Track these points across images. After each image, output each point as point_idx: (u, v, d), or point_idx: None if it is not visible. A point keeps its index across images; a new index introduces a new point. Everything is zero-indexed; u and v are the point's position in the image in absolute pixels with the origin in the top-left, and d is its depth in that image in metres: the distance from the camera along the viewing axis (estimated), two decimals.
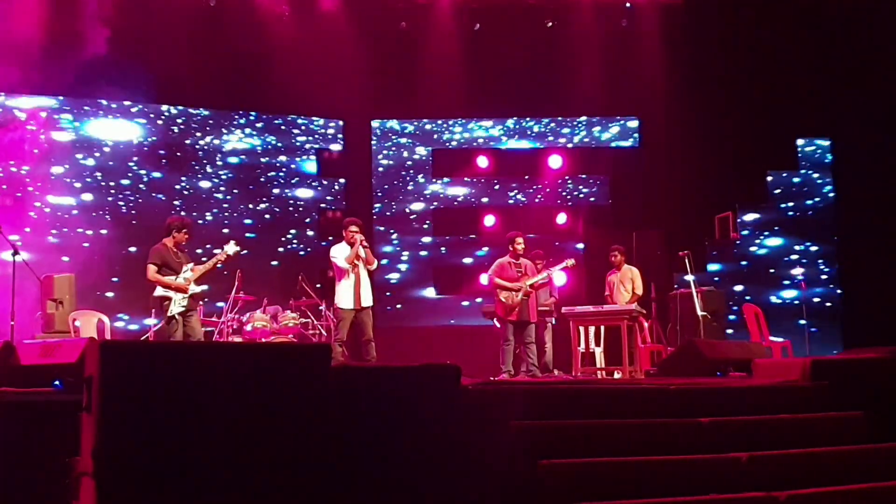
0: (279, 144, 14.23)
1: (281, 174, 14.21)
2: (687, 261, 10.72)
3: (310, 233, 14.17)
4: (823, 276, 14.21)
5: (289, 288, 12.13)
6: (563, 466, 5.08)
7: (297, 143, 14.36)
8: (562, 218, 14.49)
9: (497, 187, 14.76)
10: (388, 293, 14.36)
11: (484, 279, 13.43)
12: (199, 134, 13.75)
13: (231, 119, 13.98)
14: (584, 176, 14.73)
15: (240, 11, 12.86)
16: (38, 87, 11.96)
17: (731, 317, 12.70)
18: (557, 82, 13.87)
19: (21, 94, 12.20)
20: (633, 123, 14.70)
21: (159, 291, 8.82)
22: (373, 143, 14.60)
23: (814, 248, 14.34)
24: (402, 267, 14.55)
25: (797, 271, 13.86)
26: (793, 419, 5.99)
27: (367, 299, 9.28)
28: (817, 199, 14.48)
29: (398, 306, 14.42)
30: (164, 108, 13.49)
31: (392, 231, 14.58)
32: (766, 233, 14.47)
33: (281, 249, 14.00)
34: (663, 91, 13.63)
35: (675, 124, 13.63)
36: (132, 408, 4.00)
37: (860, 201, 13.60)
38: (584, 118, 14.76)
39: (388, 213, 14.60)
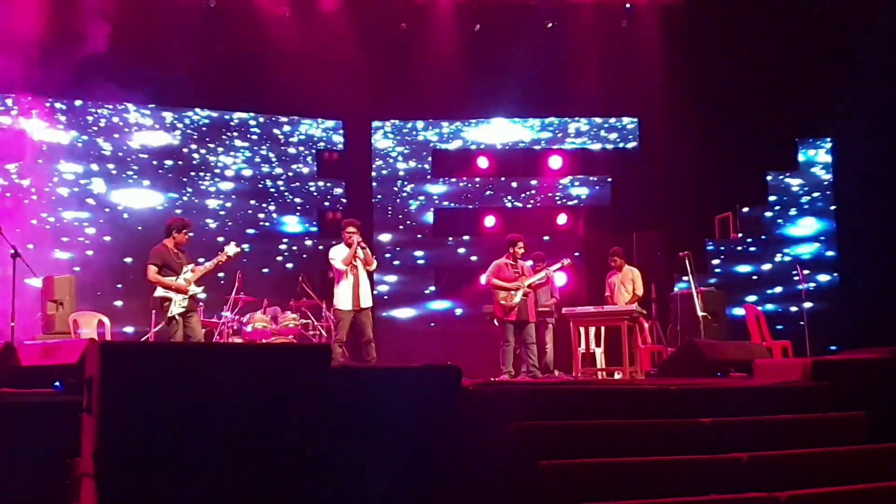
0: (279, 145, 14.22)
1: (281, 175, 14.20)
2: (687, 262, 10.71)
3: (309, 236, 14.16)
4: (824, 277, 14.21)
5: (289, 289, 12.14)
6: (563, 467, 5.07)
7: (297, 144, 14.36)
8: (562, 218, 14.51)
9: (497, 188, 14.75)
10: (388, 294, 14.37)
11: (483, 280, 13.47)
12: (199, 135, 13.75)
13: (231, 119, 13.97)
14: (584, 176, 14.73)
15: (240, 12, 12.86)
16: (38, 88, 11.96)
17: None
18: (557, 83, 13.87)
19: (22, 94, 12.20)
20: (633, 124, 14.70)
21: (159, 292, 8.82)
22: (373, 143, 14.60)
23: (815, 247, 14.35)
24: (403, 268, 14.54)
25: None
26: (793, 419, 5.98)
27: (365, 300, 9.28)
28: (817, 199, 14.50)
29: (399, 306, 14.42)
30: (164, 108, 13.49)
31: (392, 232, 14.57)
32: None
33: (282, 248, 14.01)
34: (663, 92, 13.62)
35: (675, 125, 13.61)
36: (132, 409, 4.00)
37: (861, 201, 13.61)
38: (584, 119, 14.76)
39: (387, 214, 14.59)
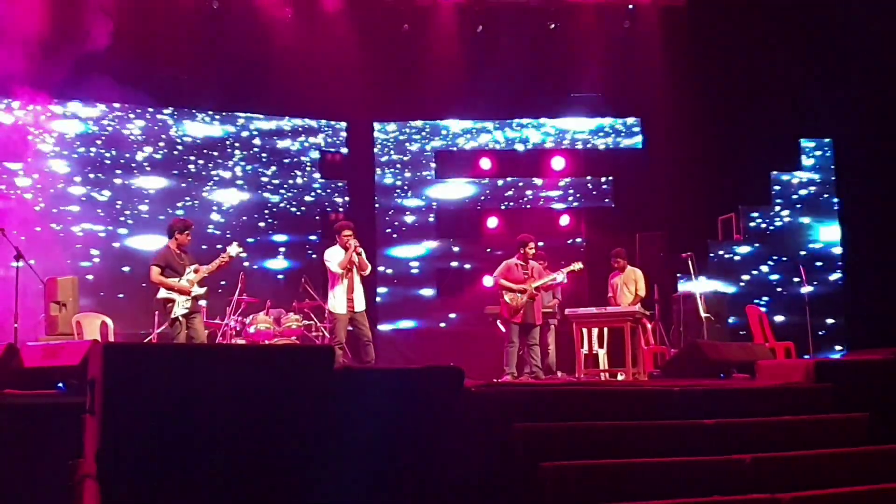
0: (281, 146, 14.23)
1: (283, 176, 14.21)
2: (690, 263, 10.70)
3: (312, 238, 14.16)
4: (830, 276, 14.19)
5: (292, 290, 12.15)
6: (566, 468, 5.07)
7: (300, 145, 14.37)
8: (565, 220, 14.50)
9: (500, 189, 14.75)
10: (389, 295, 14.36)
11: (488, 281, 13.47)
12: (201, 136, 13.76)
13: (234, 120, 13.98)
14: (586, 177, 14.73)
15: (243, 14, 12.86)
16: (41, 88, 11.96)
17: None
18: (560, 83, 13.87)
19: (24, 94, 12.20)
20: (636, 125, 14.69)
21: (162, 293, 8.83)
22: (375, 144, 14.61)
23: (818, 247, 14.35)
24: (404, 269, 14.54)
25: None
26: (796, 421, 5.98)
27: (359, 304, 9.26)
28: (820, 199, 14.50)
29: (400, 307, 14.42)
30: (168, 110, 13.50)
31: (394, 233, 14.57)
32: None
33: (283, 250, 14.02)
34: (666, 92, 13.62)
35: (678, 125, 13.61)
36: (135, 410, 4.00)
37: (864, 202, 13.60)
38: (586, 120, 14.75)
39: (390, 215, 14.60)
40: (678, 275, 12.69)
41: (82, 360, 5.57)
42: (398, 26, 13.58)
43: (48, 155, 12.62)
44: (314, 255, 12.77)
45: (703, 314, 10.61)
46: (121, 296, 12.40)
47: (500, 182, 14.71)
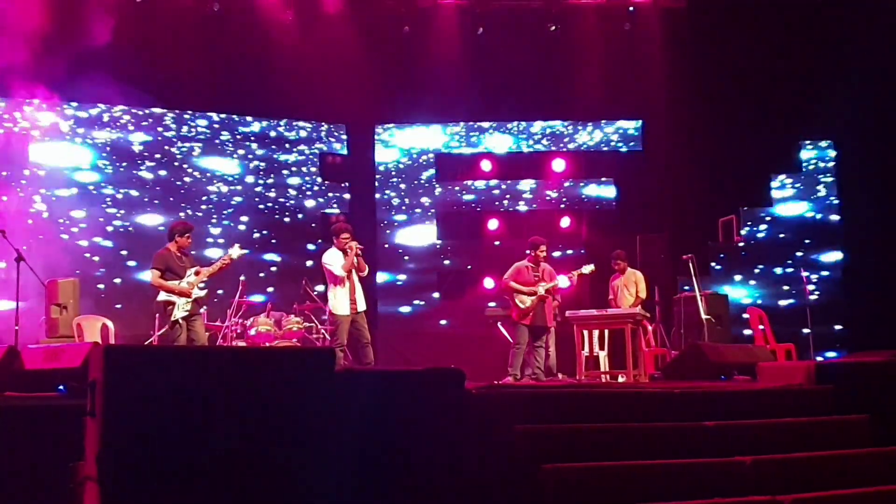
0: (282, 148, 14.24)
1: (284, 179, 14.21)
2: (691, 265, 10.70)
3: (312, 241, 14.17)
4: (827, 276, 14.18)
5: (293, 292, 12.15)
6: (566, 471, 5.07)
7: (301, 148, 14.37)
8: (565, 222, 14.50)
9: (501, 191, 14.76)
10: (391, 296, 14.37)
11: (489, 282, 13.47)
12: (202, 138, 13.77)
13: (234, 123, 13.99)
14: (587, 180, 14.73)
15: (243, 16, 12.88)
16: (40, 90, 11.97)
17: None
18: (561, 86, 13.88)
19: (24, 96, 12.21)
20: (637, 127, 14.70)
21: (163, 296, 8.83)
22: (376, 147, 14.61)
23: (818, 250, 14.33)
24: (405, 270, 14.54)
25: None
26: (797, 423, 5.98)
27: (361, 304, 9.28)
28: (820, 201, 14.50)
29: (404, 309, 14.43)
30: (168, 111, 13.51)
31: (394, 235, 14.58)
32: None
33: (284, 250, 14.02)
34: (666, 94, 13.63)
35: (679, 128, 13.62)
36: (136, 412, 4.00)
37: (863, 203, 13.60)
38: (587, 122, 14.76)
39: (391, 217, 14.60)
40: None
41: (83, 363, 5.57)
42: (399, 28, 13.60)
43: (48, 155, 12.62)
44: (310, 263, 12.72)
45: (703, 316, 10.61)
46: (118, 306, 12.40)
47: (500, 184, 14.71)
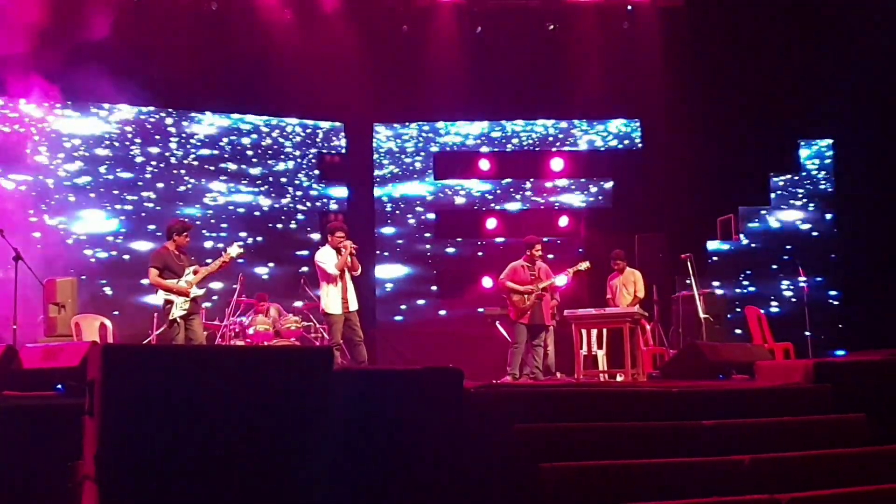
0: (281, 148, 14.24)
1: (283, 178, 14.21)
2: (689, 264, 10.70)
3: (309, 244, 14.17)
4: (826, 277, 14.20)
5: (291, 291, 12.15)
6: (565, 469, 5.08)
7: (299, 147, 14.37)
8: (563, 221, 14.50)
9: (499, 190, 14.76)
10: (390, 296, 14.37)
11: (487, 281, 13.47)
12: (201, 137, 13.76)
13: (233, 122, 13.98)
14: (585, 179, 14.74)
15: (241, 15, 12.87)
16: (40, 89, 11.96)
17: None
18: (559, 85, 13.88)
19: (22, 95, 12.20)
20: (635, 126, 14.70)
21: (161, 295, 8.82)
22: (374, 146, 14.61)
23: (815, 249, 14.35)
24: (404, 270, 14.54)
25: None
26: (795, 422, 5.98)
27: (353, 303, 9.26)
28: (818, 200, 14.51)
29: (402, 307, 14.43)
30: (167, 111, 13.50)
31: (393, 234, 14.58)
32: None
33: (284, 250, 14.02)
34: (665, 93, 13.64)
35: (677, 126, 13.62)
36: (134, 411, 4.00)
37: (862, 202, 13.61)
38: (585, 121, 14.76)
39: (389, 217, 14.60)
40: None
41: (81, 362, 5.57)
42: (397, 27, 13.59)
43: (47, 155, 12.62)
44: (304, 269, 12.70)
45: (702, 315, 10.61)
46: (119, 299, 12.40)
47: (499, 183, 14.72)
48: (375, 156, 14.58)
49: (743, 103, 13.44)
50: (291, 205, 14.23)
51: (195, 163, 13.65)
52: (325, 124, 14.51)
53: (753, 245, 14.38)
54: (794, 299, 13.72)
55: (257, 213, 13.97)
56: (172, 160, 13.50)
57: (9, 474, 4.67)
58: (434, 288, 14.53)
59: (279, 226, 14.09)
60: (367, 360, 9.25)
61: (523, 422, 5.38)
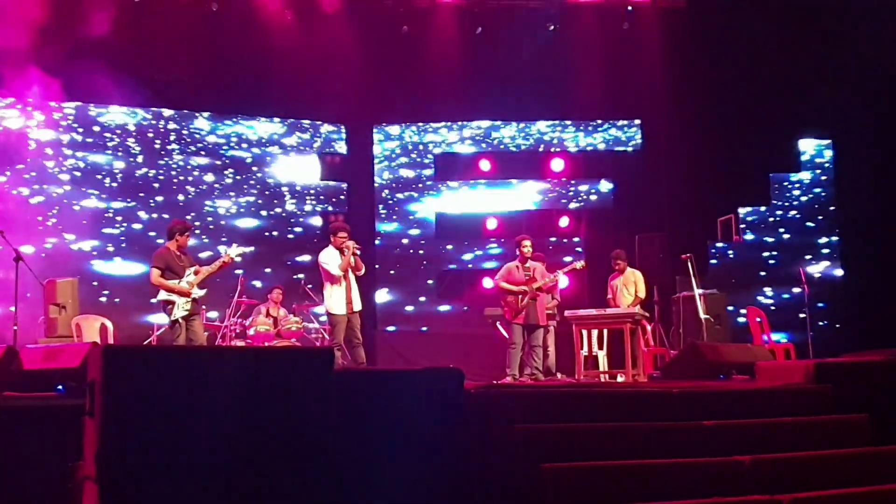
0: (281, 148, 14.23)
1: (283, 178, 14.21)
2: (689, 264, 10.70)
3: (310, 244, 14.15)
4: (826, 277, 14.20)
5: (291, 292, 12.15)
6: (566, 470, 5.08)
7: (300, 147, 14.37)
8: (564, 221, 14.51)
9: (499, 191, 14.76)
10: (390, 297, 14.36)
11: (488, 282, 13.47)
12: (201, 138, 13.76)
13: (233, 122, 13.98)
14: (585, 179, 14.74)
15: (242, 16, 12.87)
16: (40, 90, 11.95)
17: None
18: (559, 86, 13.88)
19: (24, 96, 12.20)
20: (635, 126, 14.70)
21: (162, 295, 8.81)
22: (375, 146, 14.61)
23: (817, 249, 14.35)
24: (404, 270, 14.54)
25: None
26: (796, 422, 5.98)
27: (357, 304, 9.25)
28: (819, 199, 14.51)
29: (402, 308, 14.43)
30: (166, 112, 13.50)
31: (394, 235, 14.58)
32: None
33: (284, 250, 14.01)
34: (665, 94, 13.64)
35: (677, 127, 13.62)
36: (135, 412, 4.00)
37: (862, 201, 13.61)
38: (586, 121, 14.76)
39: (390, 217, 14.60)
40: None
41: (82, 363, 5.57)
42: (397, 28, 13.60)
43: (47, 155, 12.62)
44: (300, 276, 12.70)
45: (702, 315, 10.61)
46: (117, 300, 12.40)
47: (499, 184, 14.72)
48: (376, 155, 14.58)
49: (743, 103, 13.43)
50: (291, 205, 14.22)
51: (194, 163, 13.64)
52: (326, 125, 14.49)
53: (753, 245, 14.37)
54: (793, 300, 13.70)
55: (257, 213, 13.96)
56: (172, 160, 13.48)
57: (9, 474, 4.67)
58: (434, 288, 14.51)
59: (277, 231, 14.06)
60: (365, 362, 9.24)
61: (524, 422, 5.37)
